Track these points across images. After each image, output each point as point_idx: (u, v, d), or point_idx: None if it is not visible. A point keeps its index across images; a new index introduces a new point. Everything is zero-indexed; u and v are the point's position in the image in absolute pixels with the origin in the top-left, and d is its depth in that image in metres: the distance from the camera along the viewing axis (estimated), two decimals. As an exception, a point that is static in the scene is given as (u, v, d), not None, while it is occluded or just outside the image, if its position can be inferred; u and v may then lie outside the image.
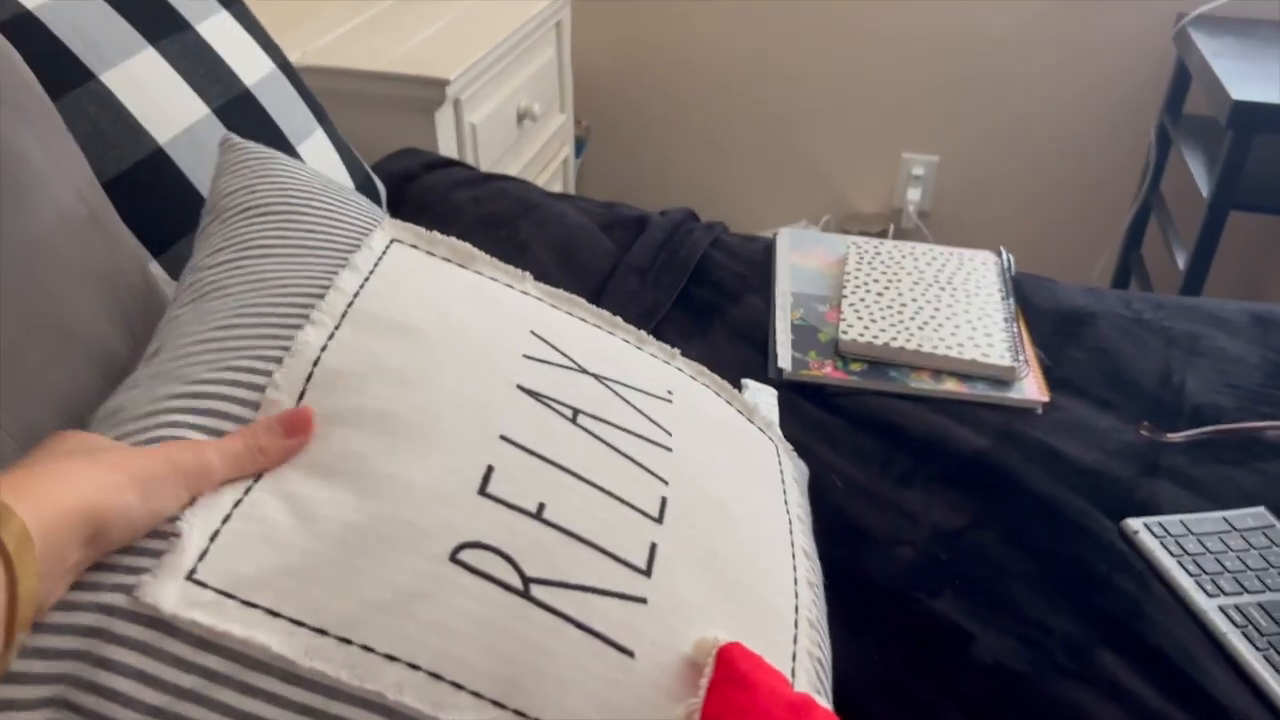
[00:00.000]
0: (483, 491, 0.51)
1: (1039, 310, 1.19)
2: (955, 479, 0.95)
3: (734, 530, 0.61)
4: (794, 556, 0.65)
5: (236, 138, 0.76)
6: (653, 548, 0.55)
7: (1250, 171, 1.79)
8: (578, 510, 0.54)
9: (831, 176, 2.42)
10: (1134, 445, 0.99)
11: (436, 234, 0.69)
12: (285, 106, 1.11)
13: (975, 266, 1.22)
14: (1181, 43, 1.96)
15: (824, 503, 0.92)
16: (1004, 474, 0.95)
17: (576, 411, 0.60)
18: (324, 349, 0.54)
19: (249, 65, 1.08)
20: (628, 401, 0.65)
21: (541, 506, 0.52)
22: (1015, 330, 1.11)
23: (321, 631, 0.43)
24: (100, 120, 0.89)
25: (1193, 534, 0.88)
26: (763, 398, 0.97)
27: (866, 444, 0.99)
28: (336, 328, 0.55)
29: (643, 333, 0.76)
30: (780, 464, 0.75)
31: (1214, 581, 0.84)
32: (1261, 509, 0.92)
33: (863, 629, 0.80)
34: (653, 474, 0.60)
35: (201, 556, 0.43)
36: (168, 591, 0.41)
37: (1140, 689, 0.76)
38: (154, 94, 0.94)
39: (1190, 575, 0.84)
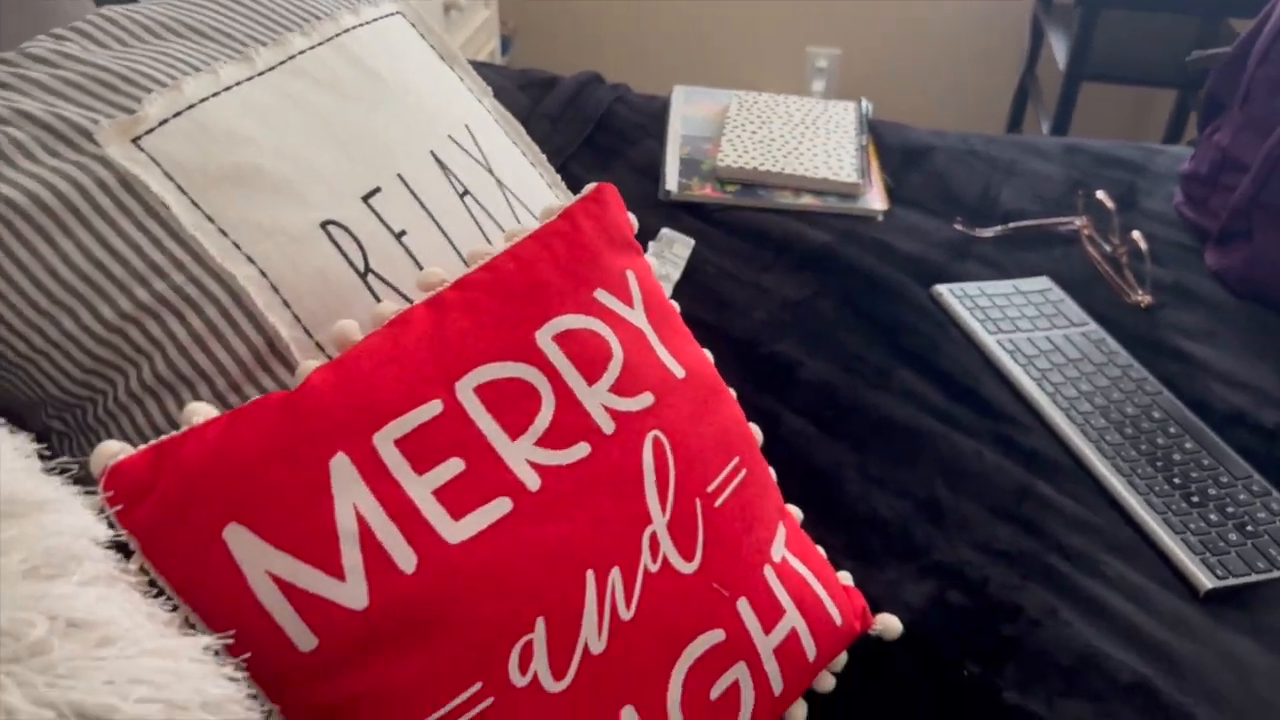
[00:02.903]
0: (365, 199, 0.67)
1: (890, 146, 1.41)
2: (804, 265, 1.17)
3: None
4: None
5: None
6: None
7: (1099, 47, 2.02)
8: (429, 249, 0.69)
9: (742, 71, 2.62)
10: (951, 239, 1.23)
11: (437, 28, 0.84)
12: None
13: (838, 111, 1.43)
14: (1047, -65, 2.18)
15: (700, 285, 1.14)
16: (843, 260, 1.17)
17: (467, 191, 0.74)
18: (302, 53, 0.70)
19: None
20: (514, 212, 0.78)
21: (403, 232, 0.68)
22: (864, 157, 1.33)
23: (210, 219, 0.60)
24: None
25: (986, 294, 1.12)
26: (676, 249, 1.16)
27: (737, 245, 1.21)
28: (320, 44, 0.72)
29: (558, 176, 0.89)
30: None
31: (996, 325, 1.07)
32: (1045, 278, 1.15)
33: (720, 368, 1.02)
34: None
35: (149, 131, 0.60)
36: (114, 143, 0.59)
37: (930, 393, 1.00)
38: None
39: (979, 321, 1.08)
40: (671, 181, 1.29)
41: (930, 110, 2.57)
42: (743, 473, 0.68)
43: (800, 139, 1.36)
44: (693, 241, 1.17)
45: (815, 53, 2.54)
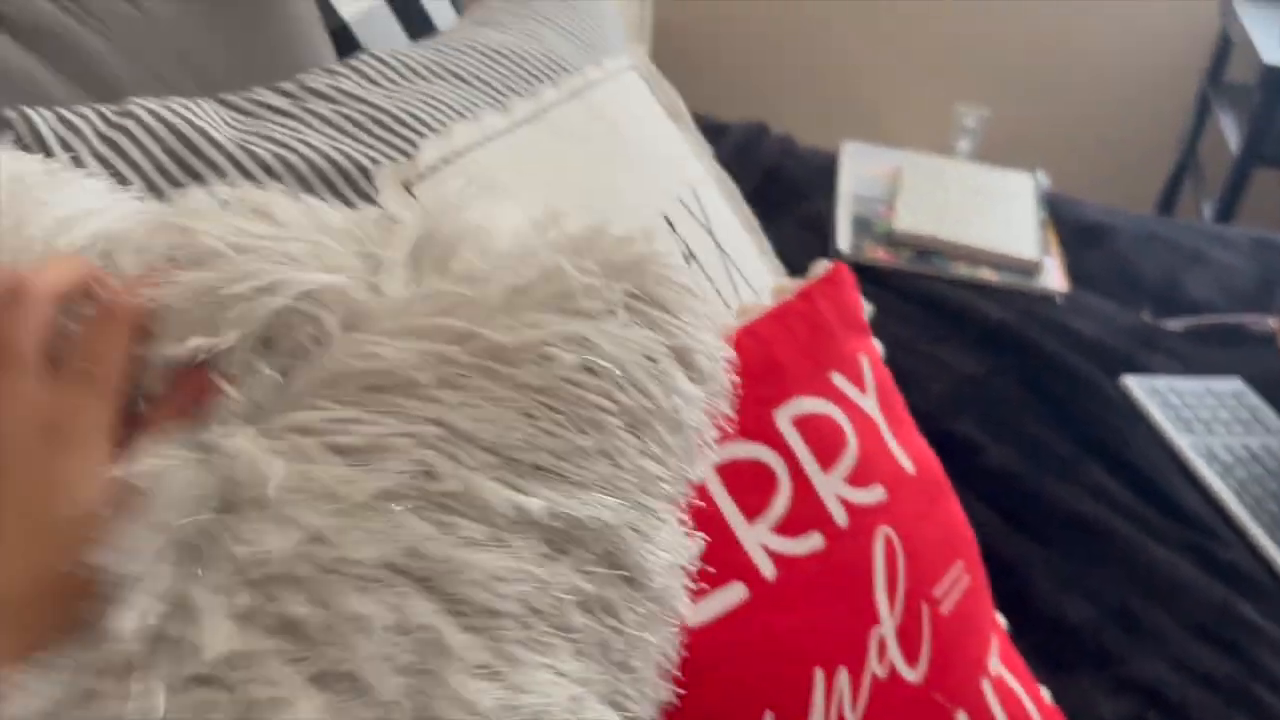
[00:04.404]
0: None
1: (1066, 222, 1.36)
2: (982, 340, 1.14)
3: None
4: None
5: None
6: None
7: (1277, 130, 1.94)
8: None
9: (885, 125, 2.58)
10: (1136, 328, 1.18)
11: (665, 82, 0.85)
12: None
13: (1012, 181, 1.40)
14: (1225, 12, 2.11)
15: (871, 352, 1.12)
16: (1023, 339, 1.14)
17: (692, 255, 0.73)
18: (555, 106, 0.70)
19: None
20: (732, 281, 0.76)
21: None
22: (1043, 232, 1.29)
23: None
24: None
25: (1176, 391, 1.07)
26: None
27: (911, 312, 1.18)
28: (570, 98, 0.72)
29: (767, 244, 0.90)
30: None
31: (1188, 425, 1.03)
32: (1238, 379, 1.10)
33: (898, 440, 0.99)
34: None
35: (421, 177, 0.60)
36: (389, 188, 0.60)
37: (1119, 491, 0.95)
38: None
39: (1170, 420, 1.03)
40: (844, 241, 1.27)
41: (1075, 182, 2.50)
42: (966, 578, 0.66)
43: (977, 208, 1.32)
44: (871, 306, 1.14)
45: (963, 111, 2.50)
